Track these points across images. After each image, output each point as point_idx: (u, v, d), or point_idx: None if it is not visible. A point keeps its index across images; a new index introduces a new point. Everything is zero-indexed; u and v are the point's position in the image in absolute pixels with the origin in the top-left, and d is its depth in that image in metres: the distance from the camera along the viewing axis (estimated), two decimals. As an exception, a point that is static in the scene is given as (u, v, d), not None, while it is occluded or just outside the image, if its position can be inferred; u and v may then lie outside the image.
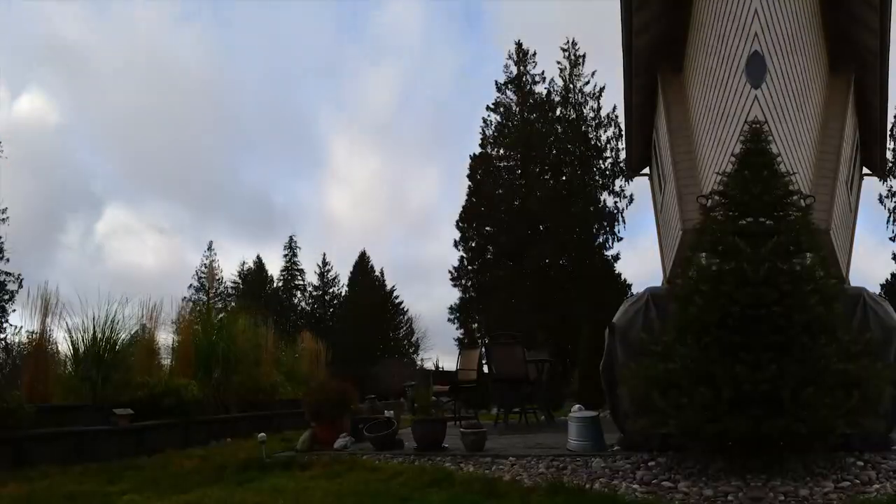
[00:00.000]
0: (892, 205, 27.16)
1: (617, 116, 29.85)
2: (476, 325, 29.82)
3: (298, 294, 47.20)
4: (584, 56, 31.05)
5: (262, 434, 6.25)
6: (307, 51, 62.90)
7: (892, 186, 27.11)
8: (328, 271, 47.20)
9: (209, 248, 46.23)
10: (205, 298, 41.46)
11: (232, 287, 45.61)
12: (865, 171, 10.69)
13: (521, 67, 31.54)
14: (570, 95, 30.67)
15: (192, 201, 61.75)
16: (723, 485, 4.17)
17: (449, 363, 32.99)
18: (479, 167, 30.59)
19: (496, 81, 31.58)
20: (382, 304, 44.18)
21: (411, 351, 43.82)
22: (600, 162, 30.19)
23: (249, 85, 60.37)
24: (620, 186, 29.89)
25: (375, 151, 62.73)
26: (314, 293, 47.08)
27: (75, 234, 54.97)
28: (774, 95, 7.11)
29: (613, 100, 30.42)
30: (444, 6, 59.19)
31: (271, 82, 61.57)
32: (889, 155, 25.84)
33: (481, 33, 60.33)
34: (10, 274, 26.79)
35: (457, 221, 30.74)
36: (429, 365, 32.81)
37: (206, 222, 62.34)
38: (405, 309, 45.67)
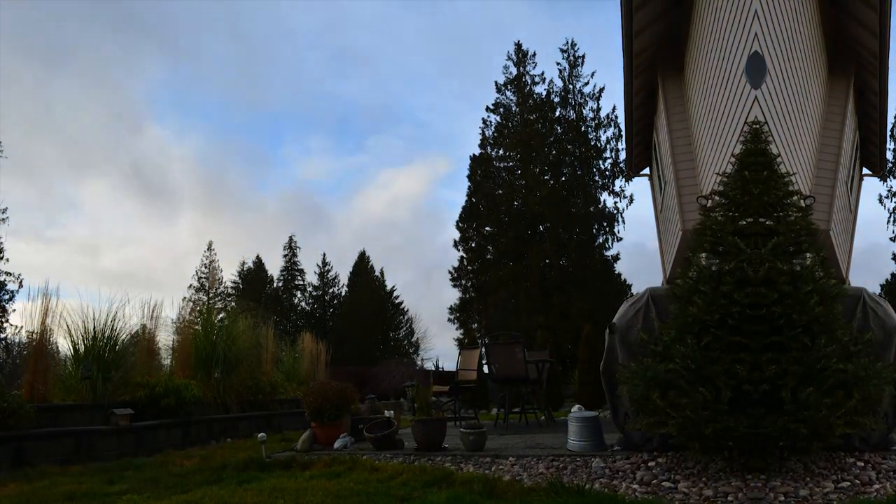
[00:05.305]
0: (892, 205, 27.18)
1: (617, 117, 29.96)
2: (476, 325, 29.82)
3: (298, 294, 47.26)
4: (583, 57, 31.13)
5: (262, 434, 6.26)
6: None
7: (892, 186, 27.14)
8: (328, 271, 47.28)
9: (209, 248, 46.29)
10: (205, 298, 41.56)
11: (232, 287, 45.68)
12: (865, 171, 10.69)
13: (521, 68, 31.57)
14: (569, 96, 30.70)
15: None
16: (723, 485, 4.18)
17: (449, 363, 33.05)
18: (479, 167, 30.60)
19: (496, 82, 31.68)
20: (382, 304, 44.21)
21: (411, 351, 43.87)
22: (600, 162, 30.22)
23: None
24: (620, 186, 29.97)
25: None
26: (314, 293, 47.12)
27: None
28: (774, 95, 7.10)
29: (613, 100, 30.50)
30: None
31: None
32: (889, 155, 25.90)
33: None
34: (10, 274, 26.79)
35: (457, 221, 30.78)
36: (429, 365, 32.86)
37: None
38: (405, 309, 45.77)
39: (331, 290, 47.07)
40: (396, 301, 45.86)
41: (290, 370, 12.17)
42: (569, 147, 29.98)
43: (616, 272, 29.03)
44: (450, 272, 31.07)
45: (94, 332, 7.77)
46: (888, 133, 24.21)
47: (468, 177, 30.80)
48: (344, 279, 46.60)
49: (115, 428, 6.91)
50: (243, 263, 46.94)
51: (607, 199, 30.12)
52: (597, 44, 54.86)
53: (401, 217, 64.00)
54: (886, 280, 25.00)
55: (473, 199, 30.57)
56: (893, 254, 26.39)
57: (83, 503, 4.41)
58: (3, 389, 6.45)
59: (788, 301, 4.12)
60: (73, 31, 51.06)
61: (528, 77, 31.41)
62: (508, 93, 31.43)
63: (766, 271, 4.21)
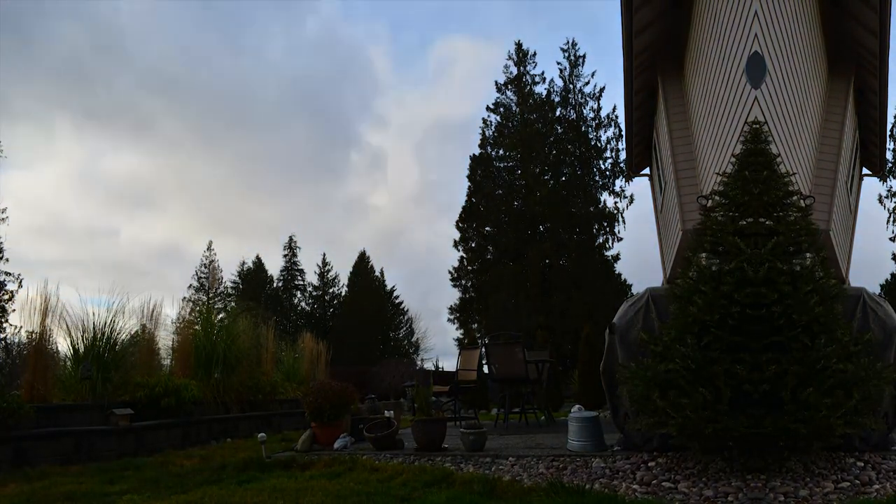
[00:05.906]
0: (892, 205, 27.16)
1: (617, 116, 29.93)
2: (476, 325, 29.81)
3: (298, 294, 47.26)
4: (584, 56, 31.12)
5: (262, 434, 6.26)
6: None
7: (892, 186, 27.10)
8: (328, 271, 47.27)
9: (209, 248, 46.30)
10: (205, 298, 41.59)
11: (232, 287, 45.69)
12: (865, 171, 10.69)
13: (521, 68, 31.56)
14: (569, 96, 30.70)
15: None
16: (723, 485, 4.17)
17: (449, 364, 33.04)
18: (479, 167, 30.59)
19: (496, 82, 31.64)
20: (382, 303, 44.21)
21: (411, 351, 43.87)
22: (600, 162, 30.21)
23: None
24: (620, 186, 29.94)
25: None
26: (314, 293, 47.12)
27: None
28: (774, 95, 7.11)
29: (613, 100, 30.44)
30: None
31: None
32: (889, 155, 25.89)
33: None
34: (10, 274, 26.78)
35: (457, 221, 30.76)
36: (429, 365, 32.86)
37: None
38: (405, 309, 45.78)
39: (331, 290, 47.07)
40: (396, 301, 45.89)
41: (290, 370, 12.18)
42: (569, 147, 29.96)
43: (616, 272, 29.01)
44: (450, 272, 31.06)
45: (94, 332, 7.77)
46: (888, 133, 24.21)
47: (468, 177, 30.78)
48: (344, 279, 46.62)
49: (115, 428, 6.91)
50: (243, 263, 46.98)
51: (607, 199, 30.10)
52: (597, 43, 54.65)
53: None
54: (886, 280, 24.99)
55: (473, 199, 30.54)
56: (893, 254, 26.38)
57: (83, 503, 4.41)
58: (3, 389, 6.44)
59: (788, 301, 4.12)
60: None
61: (528, 77, 31.41)
62: (509, 92, 31.43)
63: (766, 271, 4.21)
